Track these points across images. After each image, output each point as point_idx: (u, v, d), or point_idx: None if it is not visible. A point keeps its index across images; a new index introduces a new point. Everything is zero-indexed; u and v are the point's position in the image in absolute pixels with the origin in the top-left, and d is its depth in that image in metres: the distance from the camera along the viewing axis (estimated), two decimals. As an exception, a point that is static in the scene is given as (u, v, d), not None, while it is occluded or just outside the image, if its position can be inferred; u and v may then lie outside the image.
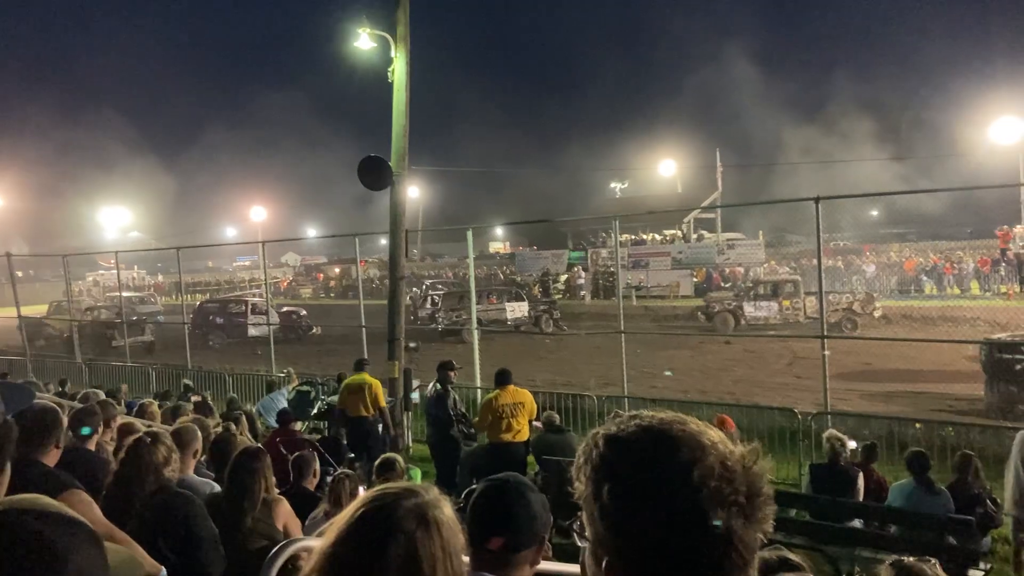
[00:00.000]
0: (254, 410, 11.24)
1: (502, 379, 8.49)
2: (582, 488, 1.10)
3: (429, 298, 27.72)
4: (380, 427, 9.88)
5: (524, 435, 8.37)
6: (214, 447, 5.42)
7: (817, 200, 9.75)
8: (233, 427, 6.65)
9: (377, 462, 5.64)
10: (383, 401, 9.93)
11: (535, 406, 8.58)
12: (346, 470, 5.51)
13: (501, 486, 1.85)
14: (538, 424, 8.59)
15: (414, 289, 29.09)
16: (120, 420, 5.32)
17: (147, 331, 24.74)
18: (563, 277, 39.13)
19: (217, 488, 4.34)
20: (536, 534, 1.80)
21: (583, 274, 37.78)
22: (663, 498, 1.01)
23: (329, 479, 5.11)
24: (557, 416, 8.93)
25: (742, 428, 8.59)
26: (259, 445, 5.15)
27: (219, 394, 13.75)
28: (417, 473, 6.39)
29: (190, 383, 13.39)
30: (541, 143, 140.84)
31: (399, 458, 5.68)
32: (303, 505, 4.74)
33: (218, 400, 12.37)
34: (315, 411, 11.08)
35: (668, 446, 1.04)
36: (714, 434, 1.07)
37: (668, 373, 16.27)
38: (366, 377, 9.97)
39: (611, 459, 1.07)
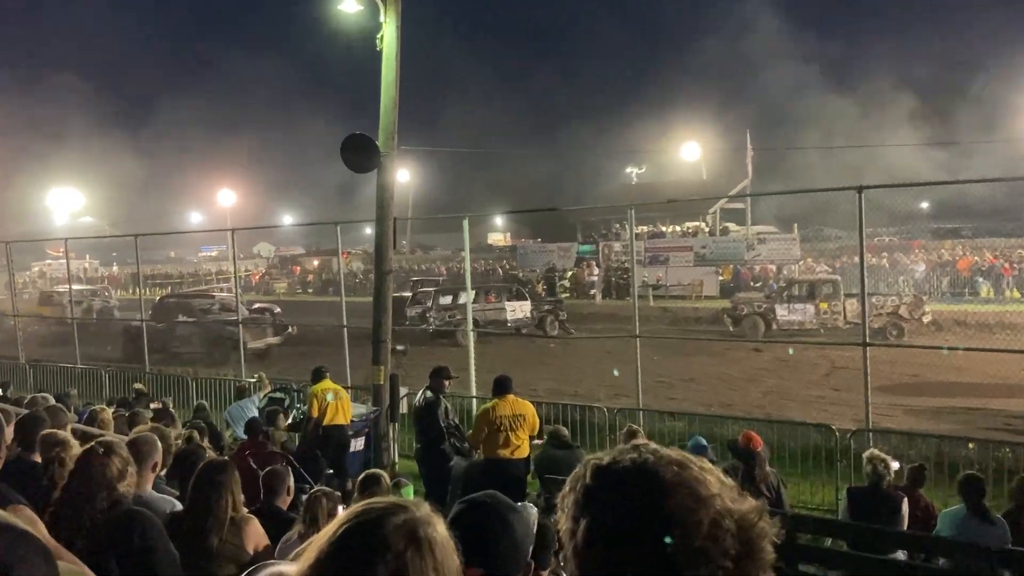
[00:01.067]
0: (223, 417, 11.26)
1: (501, 388, 8.47)
2: (562, 521, 1.11)
3: (418, 295, 27.72)
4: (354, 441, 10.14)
5: (524, 451, 8.35)
6: (178, 460, 5.43)
7: (860, 189, 9.68)
8: (197, 436, 6.67)
9: (360, 477, 5.66)
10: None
11: (537, 421, 8.54)
12: (323, 487, 5.53)
13: (477, 508, 1.80)
14: (539, 442, 8.58)
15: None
16: (47, 430, 4.56)
17: (268, 331, 23.97)
18: (570, 273, 39.15)
19: (179, 506, 4.35)
20: (520, 562, 1.76)
21: (596, 270, 37.74)
22: (636, 549, 1.01)
23: (304, 497, 5.12)
24: (566, 429, 8.91)
25: (772, 446, 8.60)
26: (225, 458, 5.17)
27: (180, 401, 13.75)
28: (409, 490, 6.38)
29: (142, 387, 13.31)
30: (547, 121, 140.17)
31: (384, 473, 5.69)
32: (275, 526, 4.75)
33: (180, 408, 12.37)
34: (290, 421, 11.09)
35: (658, 491, 1.03)
36: (715, 483, 1.06)
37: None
38: (333, 384, 10.37)
39: (594, 494, 1.08)
